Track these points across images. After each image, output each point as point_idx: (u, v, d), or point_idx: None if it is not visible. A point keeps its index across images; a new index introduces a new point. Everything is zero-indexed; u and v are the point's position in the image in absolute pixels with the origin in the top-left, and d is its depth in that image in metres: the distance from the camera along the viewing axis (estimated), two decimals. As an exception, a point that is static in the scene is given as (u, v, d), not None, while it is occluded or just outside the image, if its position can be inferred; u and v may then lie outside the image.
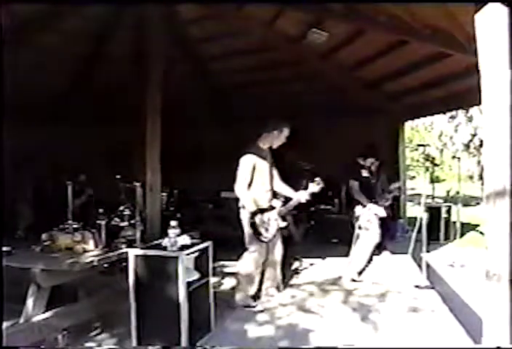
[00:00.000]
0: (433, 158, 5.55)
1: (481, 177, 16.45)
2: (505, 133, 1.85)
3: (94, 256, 3.20)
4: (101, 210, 3.85)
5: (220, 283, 4.32)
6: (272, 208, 3.65)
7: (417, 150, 16.81)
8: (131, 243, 3.51)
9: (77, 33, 5.51)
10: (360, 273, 4.45)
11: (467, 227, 7.06)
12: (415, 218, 4.82)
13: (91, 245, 3.36)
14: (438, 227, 6.39)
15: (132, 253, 2.82)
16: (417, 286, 4.12)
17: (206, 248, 3.05)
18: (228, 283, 4.31)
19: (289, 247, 4.54)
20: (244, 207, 3.58)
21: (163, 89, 4.46)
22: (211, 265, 3.09)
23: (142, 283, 2.77)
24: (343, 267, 4.62)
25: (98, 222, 3.49)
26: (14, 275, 2.91)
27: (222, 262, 4.82)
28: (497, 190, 1.87)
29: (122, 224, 3.84)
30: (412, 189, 6.75)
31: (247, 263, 3.62)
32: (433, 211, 6.27)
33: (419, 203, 5.26)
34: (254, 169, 3.58)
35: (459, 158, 7.26)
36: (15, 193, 6.06)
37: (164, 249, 2.81)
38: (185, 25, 5.89)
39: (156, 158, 4.43)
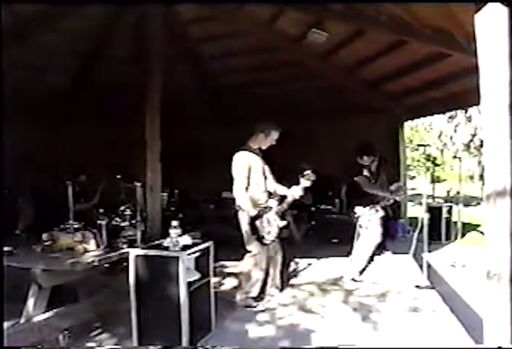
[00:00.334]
0: (435, 158, 5.54)
1: (481, 177, 16.46)
2: (505, 133, 1.85)
3: (95, 256, 3.20)
4: (102, 210, 3.85)
5: (221, 283, 4.32)
6: (269, 209, 3.64)
7: (417, 150, 16.82)
8: (132, 243, 3.50)
9: (77, 32, 5.50)
10: (361, 273, 4.45)
11: (468, 227, 7.06)
12: (416, 218, 4.82)
13: (92, 245, 3.35)
14: (439, 228, 6.38)
15: (133, 253, 2.82)
16: (417, 286, 4.12)
17: (207, 248, 3.05)
18: (229, 283, 4.31)
19: (290, 247, 4.55)
20: (242, 209, 3.58)
21: (163, 88, 4.46)
22: (212, 265, 3.09)
23: (143, 283, 2.77)
24: (344, 267, 4.62)
25: (99, 222, 3.49)
26: (14, 275, 2.90)
27: (223, 262, 4.83)
28: (497, 190, 1.86)
29: (123, 224, 3.83)
30: (413, 189, 6.75)
31: (250, 265, 3.62)
32: (434, 212, 6.25)
33: (420, 204, 5.27)
34: (250, 168, 3.58)
35: (460, 158, 7.26)
36: (15, 193, 6.06)
37: (165, 249, 2.81)
38: (185, 25, 5.89)
39: (157, 158, 4.43)
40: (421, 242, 4.59)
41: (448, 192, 8.93)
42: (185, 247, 2.84)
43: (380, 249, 4.95)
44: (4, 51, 3.16)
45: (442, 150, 20.88)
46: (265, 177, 3.76)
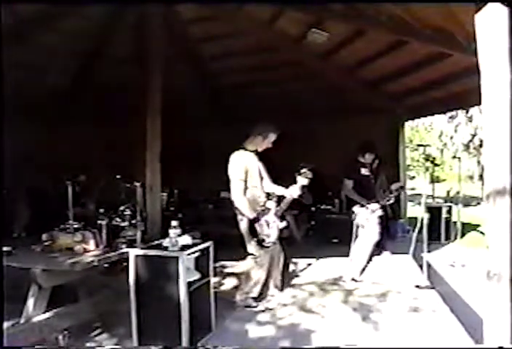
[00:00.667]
0: (434, 158, 5.54)
1: (481, 177, 16.46)
2: (505, 133, 1.85)
3: (94, 256, 3.20)
4: (101, 210, 3.85)
5: (221, 283, 4.32)
6: (268, 210, 3.61)
7: (417, 150, 16.83)
8: (131, 243, 3.50)
9: (77, 32, 5.51)
10: (361, 273, 4.45)
11: (467, 227, 7.06)
12: (416, 218, 4.82)
13: (91, 245, 3.35)
14: (439, 228, 6.39)
15: (133, 253, 2.82)
16: (417, 286, 4.12)
17: (207, 248, 3.05)
18: (229, 283, 4.31)
19: (290, 247, 4.54)
20: (240, 213, 3.56)
21: (163, 89, 4.46)
22: (211, 265, 3.09)
23: (143, 283, 2.77)
24: (344, 267, 4.62)
25: (99, 222, 3.49)
26: (14, 275, 2.90)
27: (222, 262, 4.83)
28: (497, 190, 1.86)
29: (123, 224, 3.83)
30: (413, 189, 6.75)
31: (251, 266, 3.61)
32: (434, 211, 6.26)
33: (419, 204, 5.26)
34: (247, 170, 3.56)
35: (459, 158, 7.26)
36: (14, 193, 6.06)
37: (165, 249, 2.81)
38: (185, 25, 5.89)
39: (156, 158, 4.43)
40: (421, 242, 4.59)
41: (448, 192, 8.93)
42: (185, 247, 2.84)
43: (379, 248, 4.96)
44: (4, 51, 3.16)
45: (442, 150, 20.88)
46: (262, 178, 3.75)
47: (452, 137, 20.10)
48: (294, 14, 5.07)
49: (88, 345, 2.90)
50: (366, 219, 4.42)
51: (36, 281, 2.98)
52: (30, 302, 2.99)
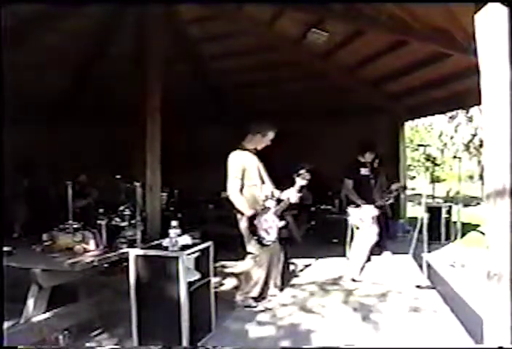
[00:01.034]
0: (434, 158, 5.56)
1: (481, 177, 16.46)
2: (505, 133, 1.85)
3: (94, 256, 3.20)
4: (101, 210, 3.85)
5: (221, 283, 4.32)
6: (267, 209, 3.61)
7: (417, 150, 16.82)
8: (131, 243, 3.50)
9: (77, 32, 5.51)
10: (360, 273, 4.44)
11: (467, 227, 7.06)
12: (416, 218, 4.83)
13: (91, 245, 3.35)
14: (439, 227, 6.38)
15: (133, 253, 2.82)
16: (417, 286, 4.12)
17: (207, 248, 3.05)
18: (229, 283, 4.31)
19: (290, 247, 4.54)
20: (238, 211, 3.56)
21: (163, 88, 4.46)
22: (211, 265, 3.09)
23: (143, 283, 2.77)
24: (344, 267, 4.62)
25: (99, 222, 3.49)
26: (14, 275, 2.90)
27: (222, 262, 4.83)
28: (497, 190, 1.87)
29: (122, 224, 3.83)
30: (413, 189, 6.74)
31: (251, 265, 3.61)
32: (434, 211, 6.26)
33: (419, 204, 5.26)
34: (244, 169, 3.56)
35: (459, 158, 7.26)
36: (14, 193, 6.05)
37: (165, 249, 2.81)
38: (185, 25, 5.89)
39: (156, 158, 4.43)
40: (421, 242, 4.60)
41: (448, 192, 8.93)
42: (185, 247, 2.84)
43: (379, 248, 4.96)
44: (4, 52, 3.16)
45: (442, 150, 20.86)
46: (262, 177, 3.75)
47: (452, 137, 20.09)
48: (294, 14, 5.07)
49: (88, 344, 2.90)
50: (361, 219, 4.42)
51: (36, 281, 2.98)
52: (30, 302, 2.99)
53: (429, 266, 4.47)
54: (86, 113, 7.27)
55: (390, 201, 4.76)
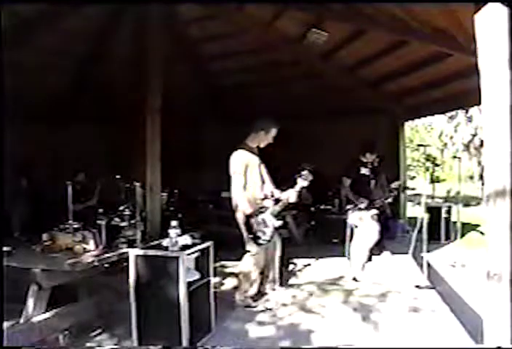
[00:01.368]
0: (434, 159, 5.57)
1: (481, 177, 16.47)
2: (505, 133, 1.85)
3: (94, 256, 3.20)
4: (101, 210, 3.85)
5: (221, 283, 4.32)
6: (265, 209, 3.62)
7: (417, 150, 16.84)
8: (131, 243, 3.50)
9: (77, 32, 5.51)
10: (361, 273, 4.44)
11: (467, 227, 7.06)
12: (415, 218, 4.83)
13: (91, 245, 3.36)
14: (439, 227, 6.38)
15: (133, 253, 2.82)
16: (417, 286, 4.12)
17: (207, 248, 3.05)
18: (229, 283, 4.31)
19: (290, 247, 4.54)
20: (238, 208, 3.57)
21: (163, 89, 4.46)
22: (212, 265, 3.09)
23: (143, 283, 2.77)
24: (344, 267, 4.62)
25: (98, 222, 3.49)
26: (14, 275, 2.90)
27: (222, 262, 4.83)
28: (497, 190, 1.87)
29: (122, 224, 3.83)
30: (413, 189, 6.74)
31: (248, 265, 3.62)
32: (434, 211, 6.26)
33: (419, 203, 5.27)
34: (247, 167, 3.58)
35: (459, 158, 7.26)
36: (14, 193, 6.05)
37: (165, 249, 2.81)
38: (185, 25, 5.89)
39: (156, 158, 4.43)
40: (420, 242, 4.60)
41: (448, 192, 8.93)
42: (185, 247, 2.84)
43: (379, 248, 4.96)
44: (4, 52, 3.16)
45: (442, 150, 20.88)
46: (262, 176, 3.76)
47: (452, 137, 20.11)
48: (294, 14, 5.07)
49: (88, 345, 2.90)
50: (360, 218, 4.42)
51: (36, 281, 2.98)
52: (30, 302, 2.99)
53: (429, 266, 4.47)
54: (86, 113, 7.26)
55: (390, 199, 4.76)
